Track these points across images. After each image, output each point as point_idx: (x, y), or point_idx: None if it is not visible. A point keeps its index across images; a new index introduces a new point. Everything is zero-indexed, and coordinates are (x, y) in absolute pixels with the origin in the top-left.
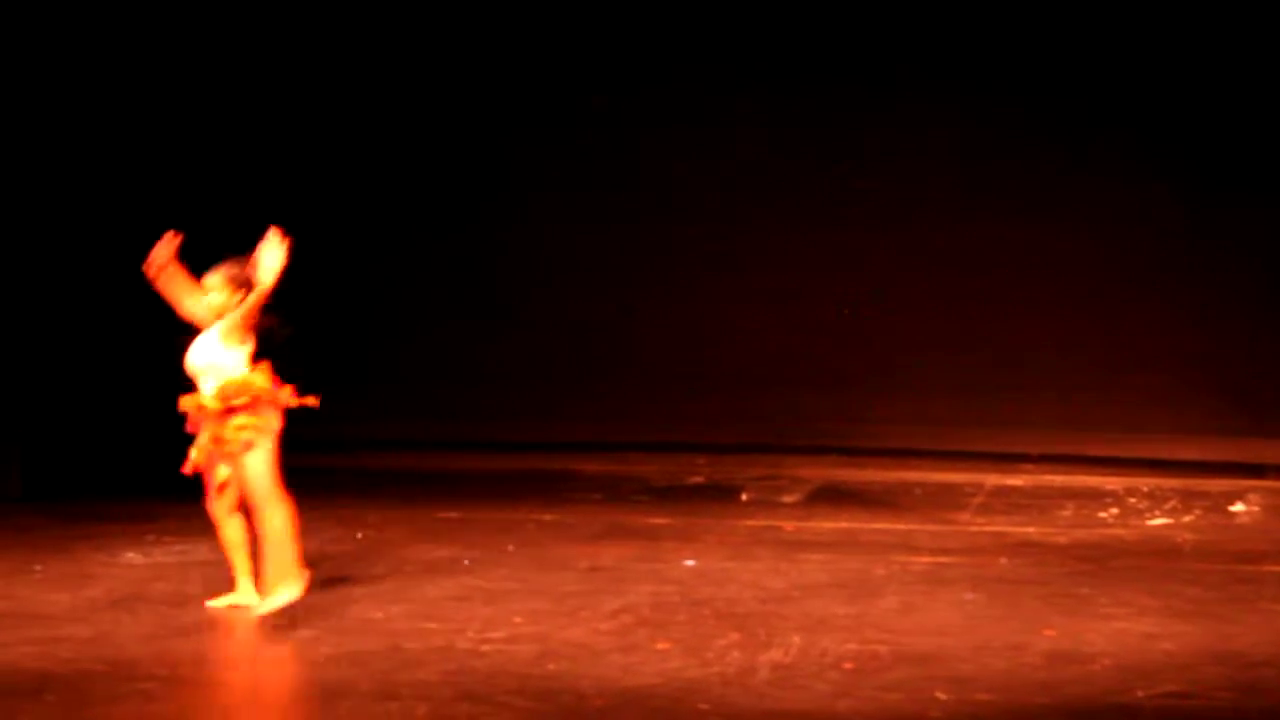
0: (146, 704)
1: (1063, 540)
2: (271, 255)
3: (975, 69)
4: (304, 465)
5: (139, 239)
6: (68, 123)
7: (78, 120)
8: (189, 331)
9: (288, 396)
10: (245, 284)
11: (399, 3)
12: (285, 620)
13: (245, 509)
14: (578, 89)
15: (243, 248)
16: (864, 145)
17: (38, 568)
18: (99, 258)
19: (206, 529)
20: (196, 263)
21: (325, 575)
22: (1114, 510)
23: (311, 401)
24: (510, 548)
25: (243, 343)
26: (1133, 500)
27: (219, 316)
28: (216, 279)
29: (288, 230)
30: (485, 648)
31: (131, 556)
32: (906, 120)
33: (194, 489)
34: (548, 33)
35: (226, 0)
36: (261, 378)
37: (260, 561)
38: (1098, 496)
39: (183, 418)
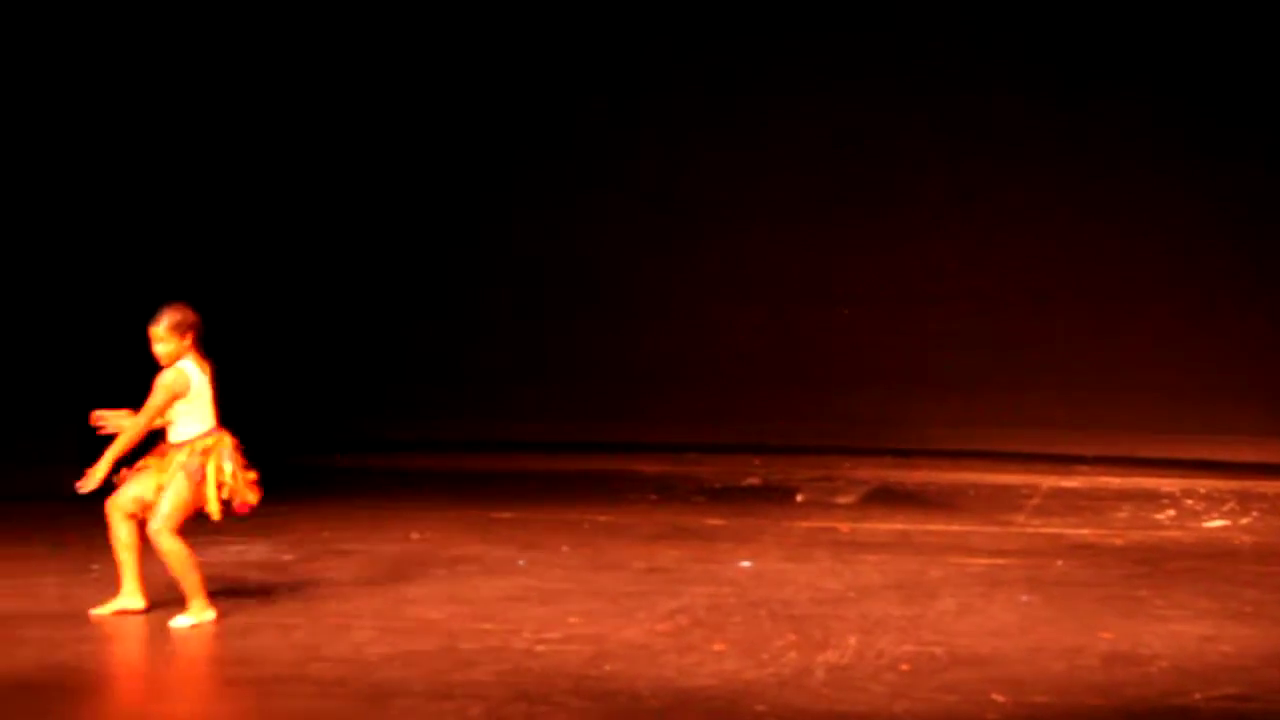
0: (202, 703)
1: (1119, 542)
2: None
3: (1009, 63)
4: (360, 466)
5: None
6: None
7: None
8: (246, 332)
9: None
10: (190, 329)
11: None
12: (340, 620)
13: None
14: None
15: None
16: (913, 146)
17: (94, 567)
18: (159, 259)
19: (261, 529)
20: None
21: (380, 576)
22: (1171, 512)
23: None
24: (566, 548)
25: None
26: (1190, 502)
27: (170, 363)
28: (160, 328)
29: (346, 227)
30: (541, 648)
31: None
32: (956, 121)
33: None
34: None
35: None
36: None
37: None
38: (1154, 498)
39: (241, 418)
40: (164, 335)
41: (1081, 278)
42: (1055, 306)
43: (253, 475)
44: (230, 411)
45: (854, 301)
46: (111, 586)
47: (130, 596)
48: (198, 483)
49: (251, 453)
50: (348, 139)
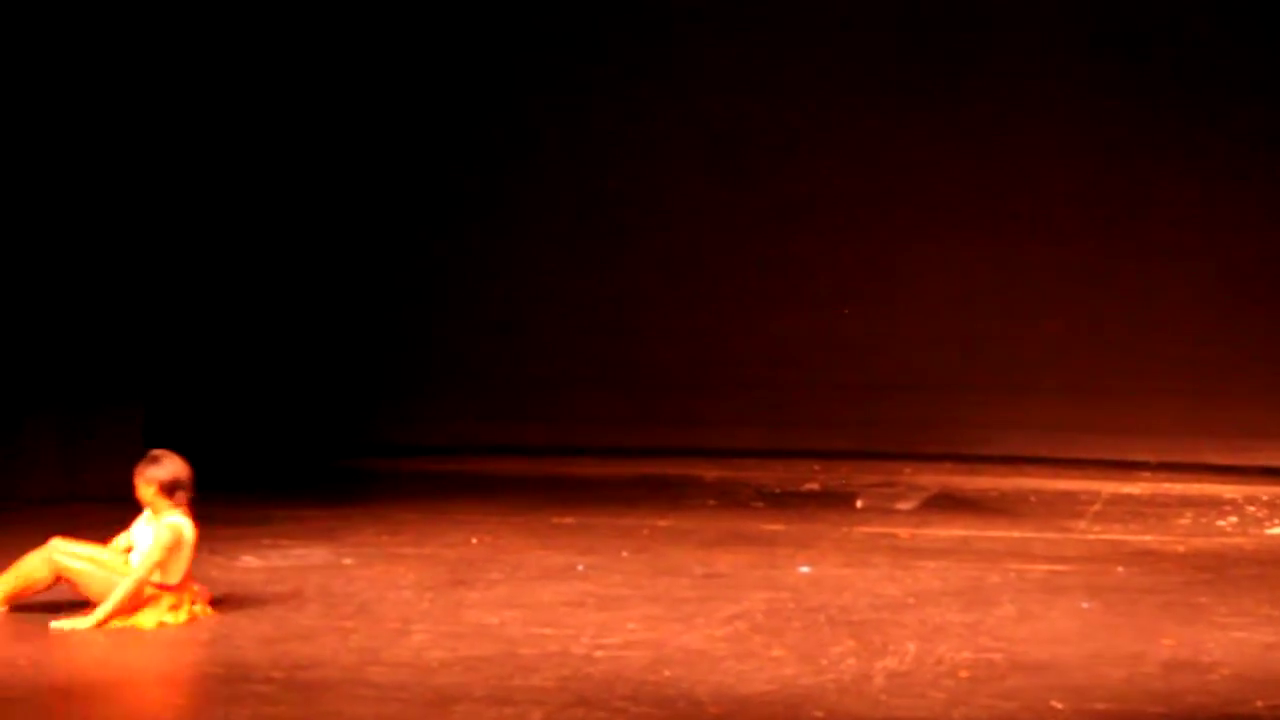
0: (264, 706)
1: (1181, 549)
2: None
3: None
4: (421, 470)
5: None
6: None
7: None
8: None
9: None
10: (182, 489)
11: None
12: (400, 625)
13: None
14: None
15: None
16: (974, 153)
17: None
18: (226, 265)
19: (321, 533)
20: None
21: (440, 580)
22: (1233, 519)
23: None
24: (625, 553)
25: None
26: (1252, 509)
27: (156, 511)
28: (150, 486)
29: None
30: (600, 653)
31: (248, 560)
32: (1018, 125)
33: (310, 491)
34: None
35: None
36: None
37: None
38: (1216, 505)
39: (303, 419)
40: (154, 495)
41: (1144, 283)
42: (1117, 312)
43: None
44: (281, 416)
45: (915, 308)
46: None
47: None
48: (133, 608)
49: (305, 456)
50: (383, 145)
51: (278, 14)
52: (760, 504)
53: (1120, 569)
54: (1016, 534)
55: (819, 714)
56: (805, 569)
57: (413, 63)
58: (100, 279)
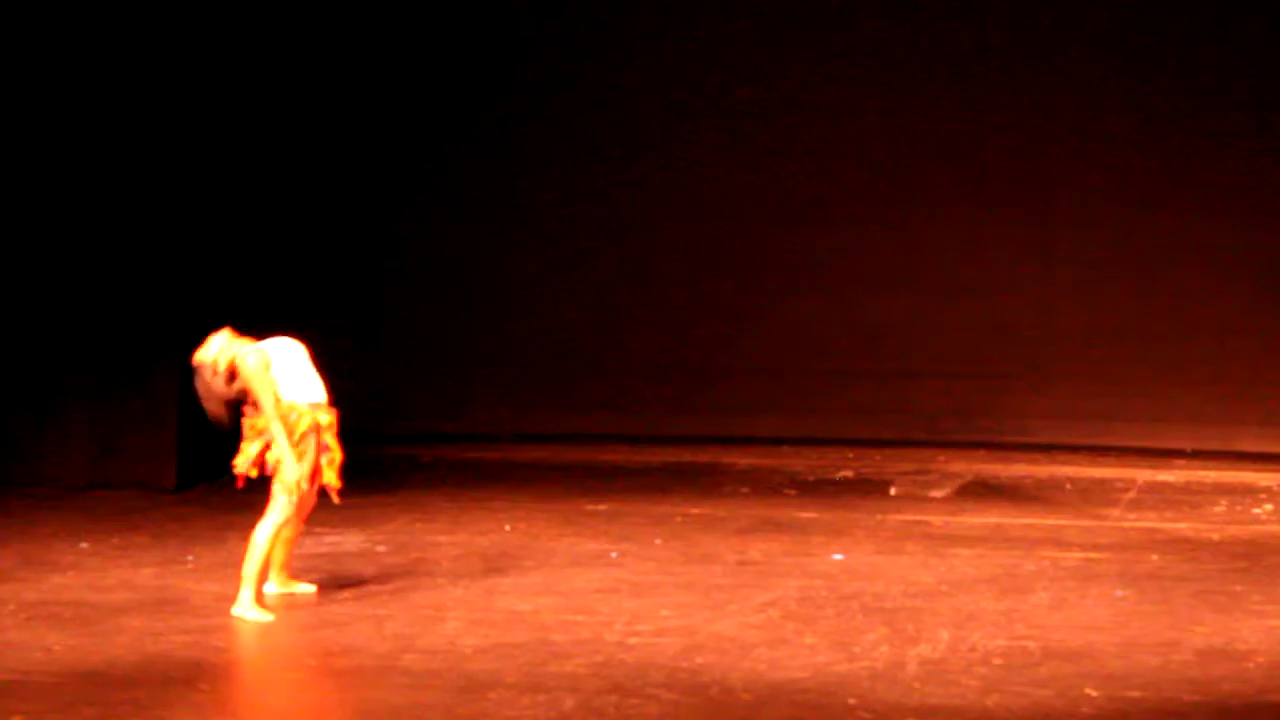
0: (297, 693)
1: (1215, 537)
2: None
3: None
4: (455, 457)
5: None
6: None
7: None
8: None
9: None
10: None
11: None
12: (433, 612)
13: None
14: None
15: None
16: (1005, 139)
17: (190, 558)
18: (254, 256)
19: (355, 520)
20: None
21: (473, 568)
22: (1268, 506)
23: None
24: (658, 541)
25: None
26: None
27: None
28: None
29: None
30: (633, 640)
31: None
32: (1050, 112)
33: (344, 478)
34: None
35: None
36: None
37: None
38: (1252, 492)
39: (338, 407)
40: (225, 364)
41: (1178, 270)
42: (1152, 300)
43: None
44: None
45: (947, 294)
46: (209, 577)
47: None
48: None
49: (341, 444)
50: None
51: (285, 10)
52: (793, 491)
53: (1155, 557)
54: (1050, 521)
55: (852, 701)
56: (839, 556)
57: (421, 46)
58: (133, 268)
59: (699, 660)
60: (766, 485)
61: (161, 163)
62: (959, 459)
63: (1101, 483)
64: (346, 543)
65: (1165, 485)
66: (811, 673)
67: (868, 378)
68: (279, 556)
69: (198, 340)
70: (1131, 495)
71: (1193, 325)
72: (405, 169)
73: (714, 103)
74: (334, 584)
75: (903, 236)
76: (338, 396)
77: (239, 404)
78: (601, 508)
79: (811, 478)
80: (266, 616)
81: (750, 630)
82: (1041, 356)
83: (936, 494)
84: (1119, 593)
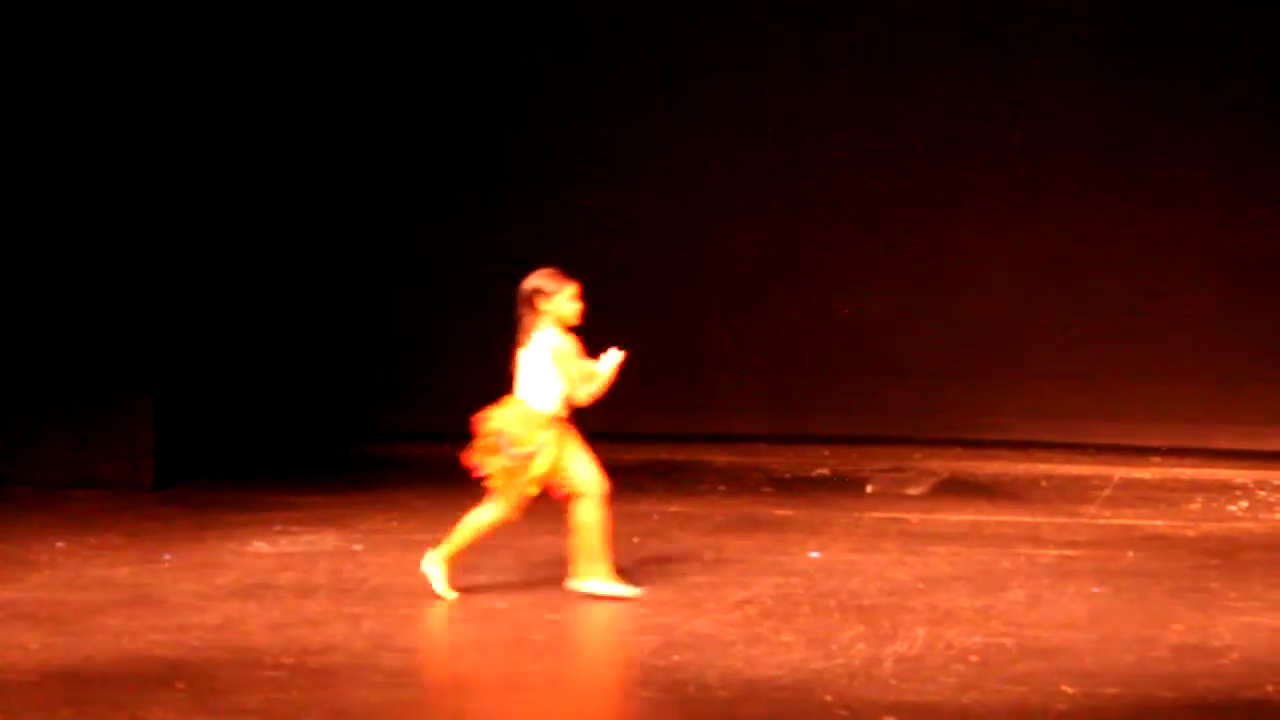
0: (274, 692)
1: (1191, 533)
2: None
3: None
4: (432, 456)
5: (272, 233)
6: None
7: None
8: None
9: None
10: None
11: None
12: (410, 611)
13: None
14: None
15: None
16: (984, 137)
17: (167, 557)
18: (232, 249)
19: (331, 519)
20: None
21: (451, 566)
22: (1243, 503)
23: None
24: (636, 539)
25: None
26: (1263, 493)
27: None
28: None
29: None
30: (610, 638)
31: (259, 546)
32: (1008, 111)
33: (321, 477)
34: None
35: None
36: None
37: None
38: (1227, 489)
39: (315, 406)
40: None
41: (1153, 269)
42: (1127, 298)
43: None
44: (294, 402)
45: (925, 292)
46: (186, 576)
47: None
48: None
49: (318, 442)
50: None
51: (279, 9)
52: (770, 489)
53: (1131, 554)
54: (1027, 519)
55: (828, 698)
56: (815, 554)
57: (418, 44)
58: (109, 265)
59: (676, 658)
60: (743, 483)
61: (138, 153)
62: (935, 457)
63: (1077, 480)
64: (323, 541)
65: (1141, 482)
66: (788, 670)
67: (845, 376)
68: (600, 549)
69: (177, 338)
70: (1107, 492)
71: (1168, 322)
72: (377, 163)
73: (687, 100)
74: (311, 583)
75: (879, 235)
76: (315, 396)
77: None
78: None
79: (788, 475)
80: (449, 593)
81: (727, 628)
82: (1017, 354)
83: (913, 492)
84: (1095, 590)
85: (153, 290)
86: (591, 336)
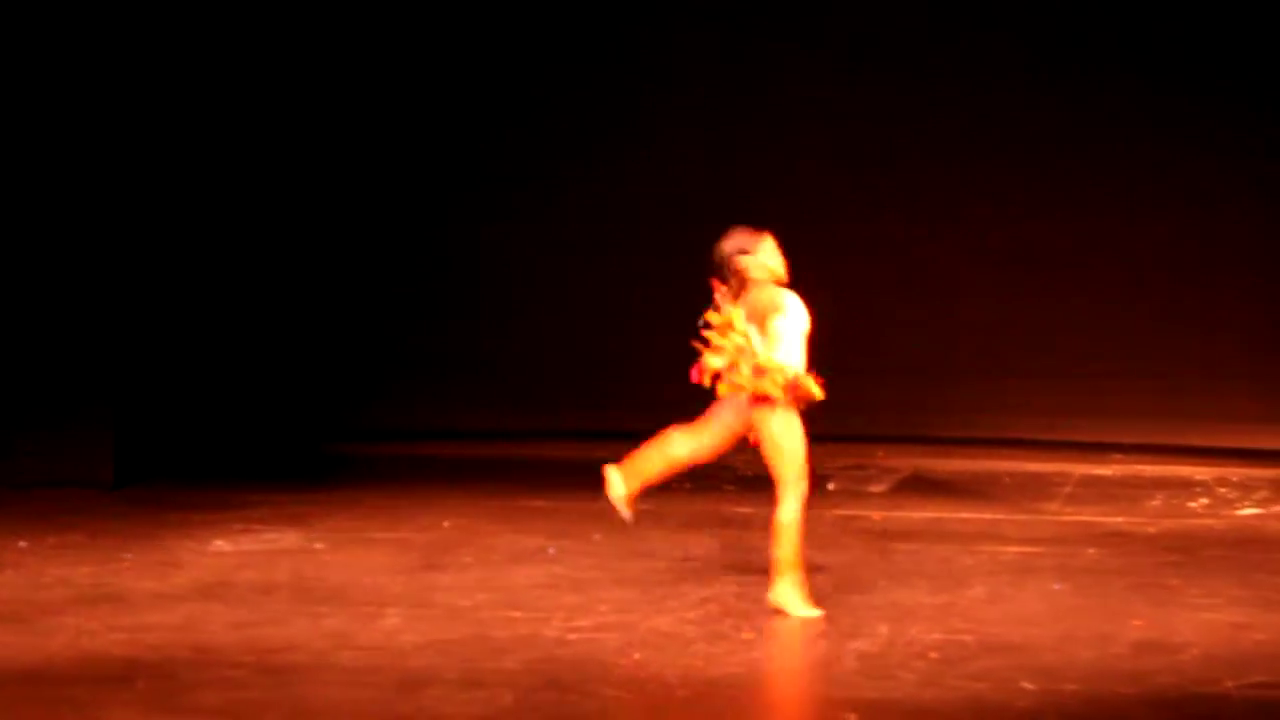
0: (233, 691)
1: (1152, 530)
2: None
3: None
4: (393, 454)
5: (234, 230)
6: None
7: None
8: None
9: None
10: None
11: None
12: (371, 609)
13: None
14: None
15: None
16: (942, 136)
17: (127, 556)
18: (193, 248)
19: (292, 517)
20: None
21: (412, 564)
22: (1204, 500)
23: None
24: (597, 536)
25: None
26: (1223, 490)
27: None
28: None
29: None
30: (572, 636)
31: (220, 545)
32: (981, 110)
33: (283, 475)
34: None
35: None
36: None
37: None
38: (1187, 486)
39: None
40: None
41: (1115, 266)
42: (1090, 295)
43: None
44: (255, 400)
45: (885, 290)
46: (146, 575)
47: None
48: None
49: (279, 441)
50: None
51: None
52: (732, 488)
53: (1091, 550)
54: (988, 516)
55: (790, 695)
56: None
57: (405, 48)
58: (72, 263)
59: (637, 656)
60: (706, 481)
61: (104, 149)
62: (898, 454)
63: (1039, 477)
64: (284, 540)
65: (1102, 479)
66: (749, 668)
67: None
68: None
69: (138, 337)
70: (1068, 490)
71: (1129, 321)
72: (349, 162)
73: (671, 100)
74: (271, 581)
75: (842, 235)
76: (276, 394)
77: None
78: (540, 504)
79: (751, 474)
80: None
81: (688, 626)
82: (980, 353)
83: (875, 489)
84: (1056, 586)
85: (114, 290)
86: (557, 339)
